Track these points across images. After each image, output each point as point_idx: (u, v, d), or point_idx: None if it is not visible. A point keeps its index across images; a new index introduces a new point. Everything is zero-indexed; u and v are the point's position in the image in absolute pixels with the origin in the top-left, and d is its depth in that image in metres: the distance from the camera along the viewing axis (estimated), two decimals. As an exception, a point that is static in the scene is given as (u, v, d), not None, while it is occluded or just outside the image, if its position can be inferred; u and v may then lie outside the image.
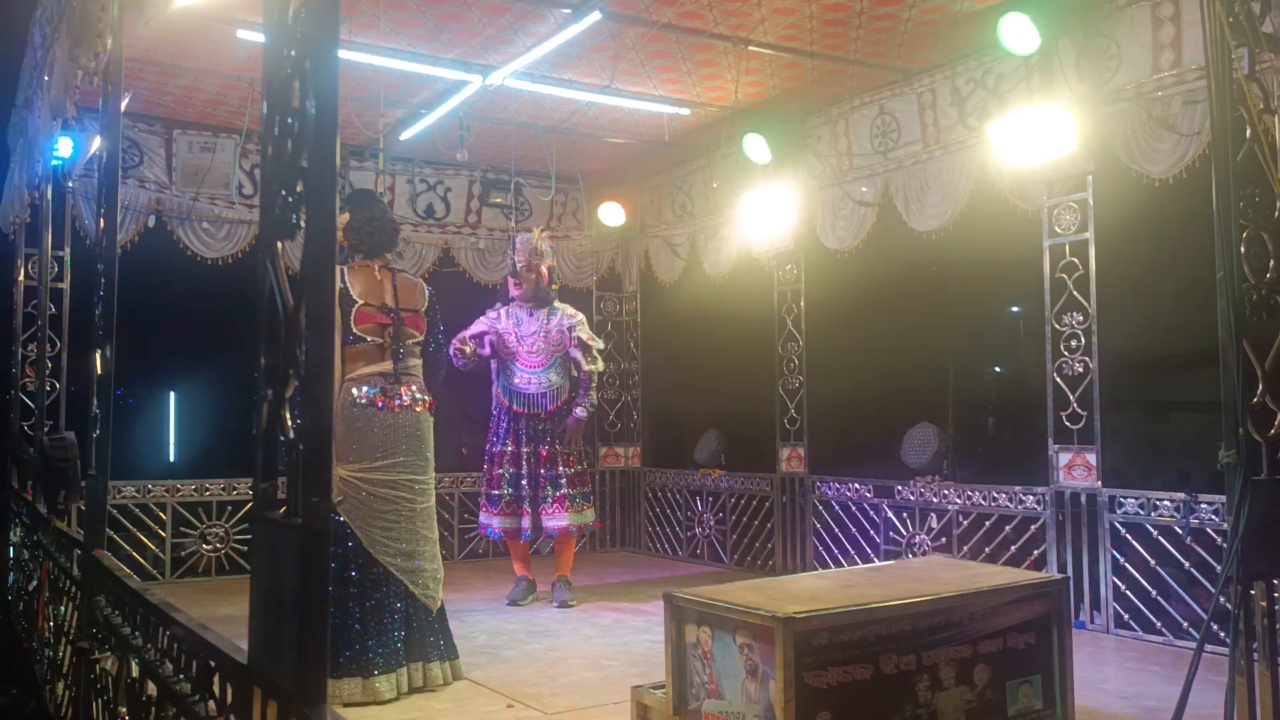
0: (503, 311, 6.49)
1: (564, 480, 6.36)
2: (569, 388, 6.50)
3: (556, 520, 6.33)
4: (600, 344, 6.67)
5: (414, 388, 4.66)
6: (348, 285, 4.58)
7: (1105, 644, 5.35)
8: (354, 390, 4.47)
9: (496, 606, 6.41)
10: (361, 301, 4.57)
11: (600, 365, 6.64)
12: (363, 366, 4.53)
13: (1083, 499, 5.64)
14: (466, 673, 4.73)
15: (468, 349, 6.22)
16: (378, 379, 4.54)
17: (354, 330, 4.52)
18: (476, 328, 6.44)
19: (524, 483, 6.34)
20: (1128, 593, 5.45)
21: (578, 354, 6.46)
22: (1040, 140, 5.50)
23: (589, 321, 6.67)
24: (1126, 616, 5.44)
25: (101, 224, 3.74)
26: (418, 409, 4.65)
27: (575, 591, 6.55)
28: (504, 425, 6.43)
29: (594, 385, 6.57)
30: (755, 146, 7.19)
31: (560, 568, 6.53)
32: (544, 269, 6.51)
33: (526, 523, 6.34)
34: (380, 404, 4.51)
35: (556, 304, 6.55)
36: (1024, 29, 5.40)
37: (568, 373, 6.51)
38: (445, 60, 6.16)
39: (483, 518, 6.51)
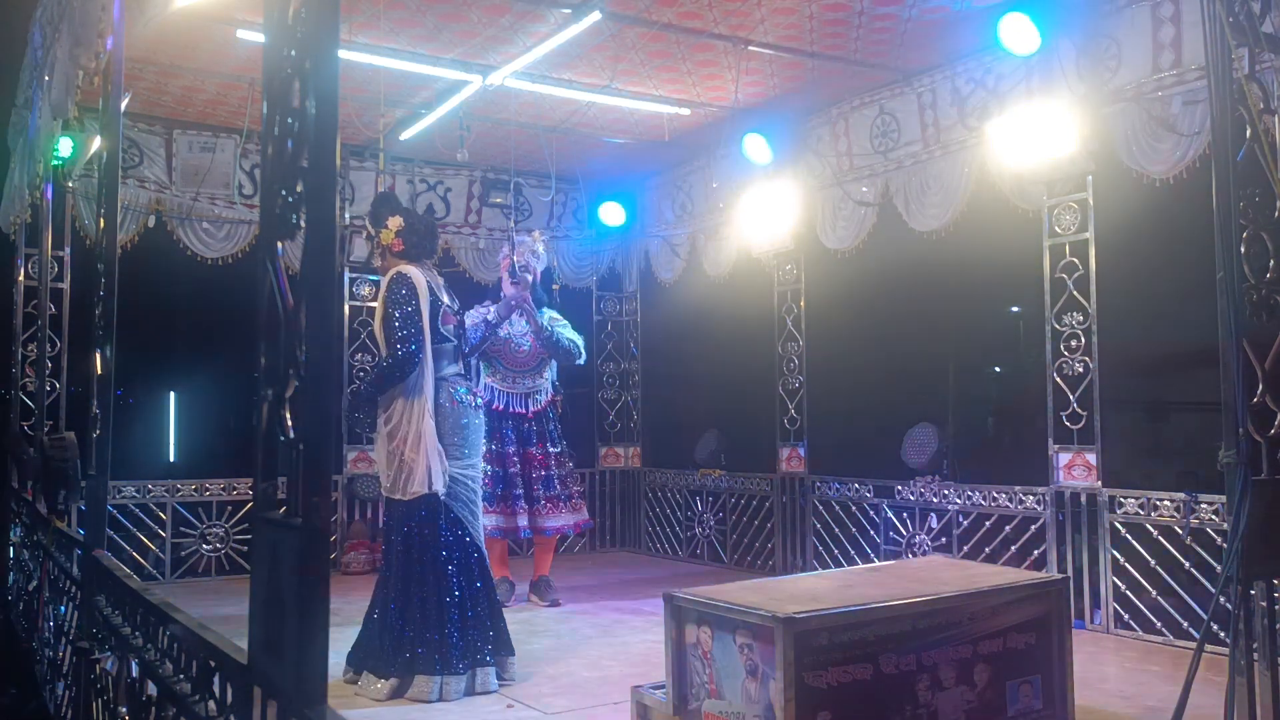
0: (494, 309, 6.48)
1: (556, 481, 6.40)
2: (553, 391, 6.56)
3: (554, 520, 6.35)
4: (580, 339, 6.56)
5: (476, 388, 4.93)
6: (433, 286, 4.60)
7: (1105, 644, 5.35)
8: (453, 390, 4.59)
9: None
10: (445, 302, 4.66)
11: (578, 341, 6.48)
12: (448, 366, 4.63)
13: (1083, 499, 5.63)
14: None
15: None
16: (462, 380, 4.71)
17: (441, 330, 4.59)
18: (471, 319, 6.40)
19: (517, 482, 6.33)
20: (1128, 593, 5.44)
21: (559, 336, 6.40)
22: (1040, 140, 5.50)
23: (589, 322, 6.61)
24: (1126, 616, 5.44)
25: (101, 224, 3.75)
26: (480, 406, 4.88)
27: (570, 590, 6.67)
28: (488, 424, 6.40)
29: (560, 333, 6.39)
30: (755, 146, 7.19)
31: (542, 568, 6.57)
32: (539, 272, 6.51)
33: (523, 521, 6.33)
34: (475, 405, 4.70)
35: (545, 309, 6.53)
36: (1024, 29, 5.40)
37: (552, 376, 6.54)
38: (445, 60, 6.16)
39: None
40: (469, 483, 4.59)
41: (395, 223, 4.70)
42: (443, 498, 4.45)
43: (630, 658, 5.07)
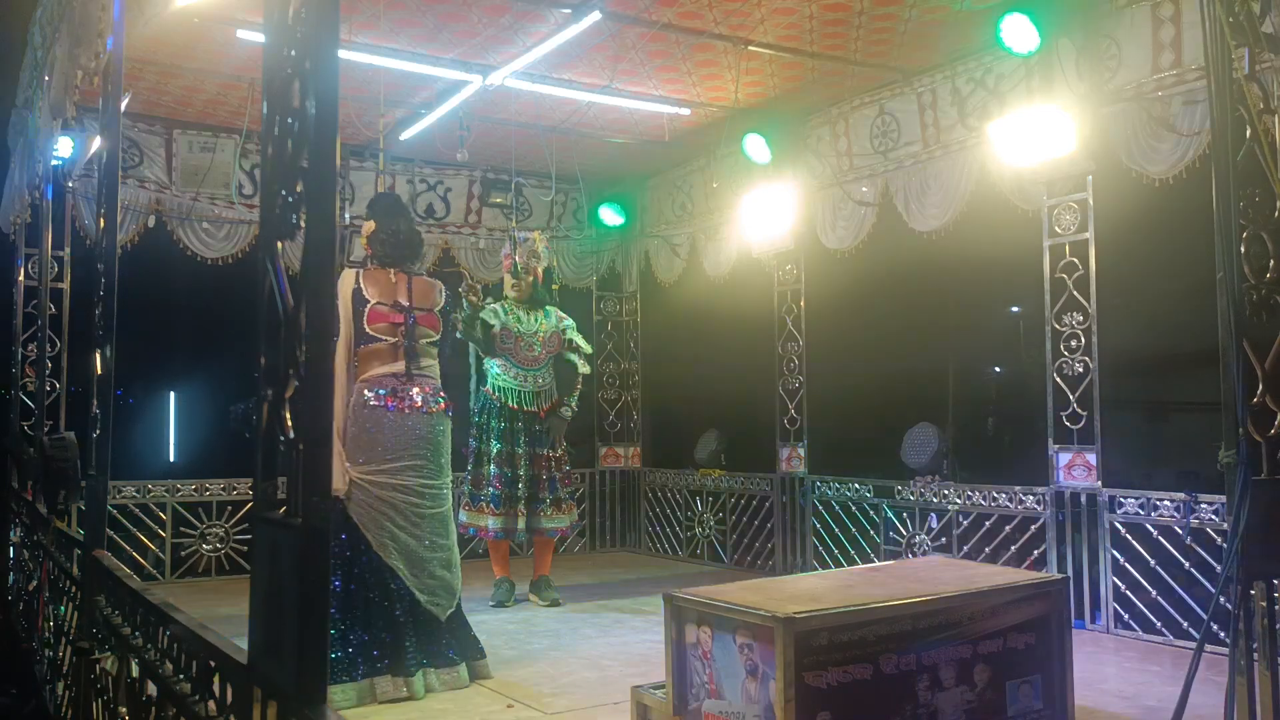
0: (498, 308, 6.46)
1: (558, 482, 6.43)
2: (557, 388, 6.56)
3: (555, 522, 6.39)
4: (590, 349, 6.75)
5: (428, 389, 4.59)
6: (362, 287, 4.55)
7: (1105, 644, 5.35)
8: (365, 392, 4.46)
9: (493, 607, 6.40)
10: (374, 301, 4.54)
11: (589, 370, 6.75)
12: (376, 367, 4.50)
13: (1083, 499, 5.63)
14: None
15: (474, 298, 5.73)
16: (389, 379, 4.49)
17: (367, 330, 4.50)
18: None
19: (519, 484, 6.31)
20: (1128, 593, 5.44)
21: (574, 356, 6.56)
22: (1040, 140, 5.50)
23: (589, 322, 6.66)
24: (1126, 616, 5.44)
25: (101, 224, 3.74)
26: (432, 410, 4.58)
27: (570, 590, 6.73)
28: (495, 424, 6.33)
29: (579, 388, 6.66)
30: (755, 146, 7.19)
31: (542, 567, 6.59)
32: (540, 271, 6.53)
33: (520, 524, 6.30)
34: (390, 405, 4.46)
35: (548, 307, 6.56)
36: (1024, 29, 5.40)
37: (556, 374, 6.55)
38: (445, 60, 6.16)
39: (467, 517, 6.26)
40: (370, 489, 4.37)
41: (366, 228, 4.77)
42: (341, 500, 4.30)
43: (630, 658, 5.07)
